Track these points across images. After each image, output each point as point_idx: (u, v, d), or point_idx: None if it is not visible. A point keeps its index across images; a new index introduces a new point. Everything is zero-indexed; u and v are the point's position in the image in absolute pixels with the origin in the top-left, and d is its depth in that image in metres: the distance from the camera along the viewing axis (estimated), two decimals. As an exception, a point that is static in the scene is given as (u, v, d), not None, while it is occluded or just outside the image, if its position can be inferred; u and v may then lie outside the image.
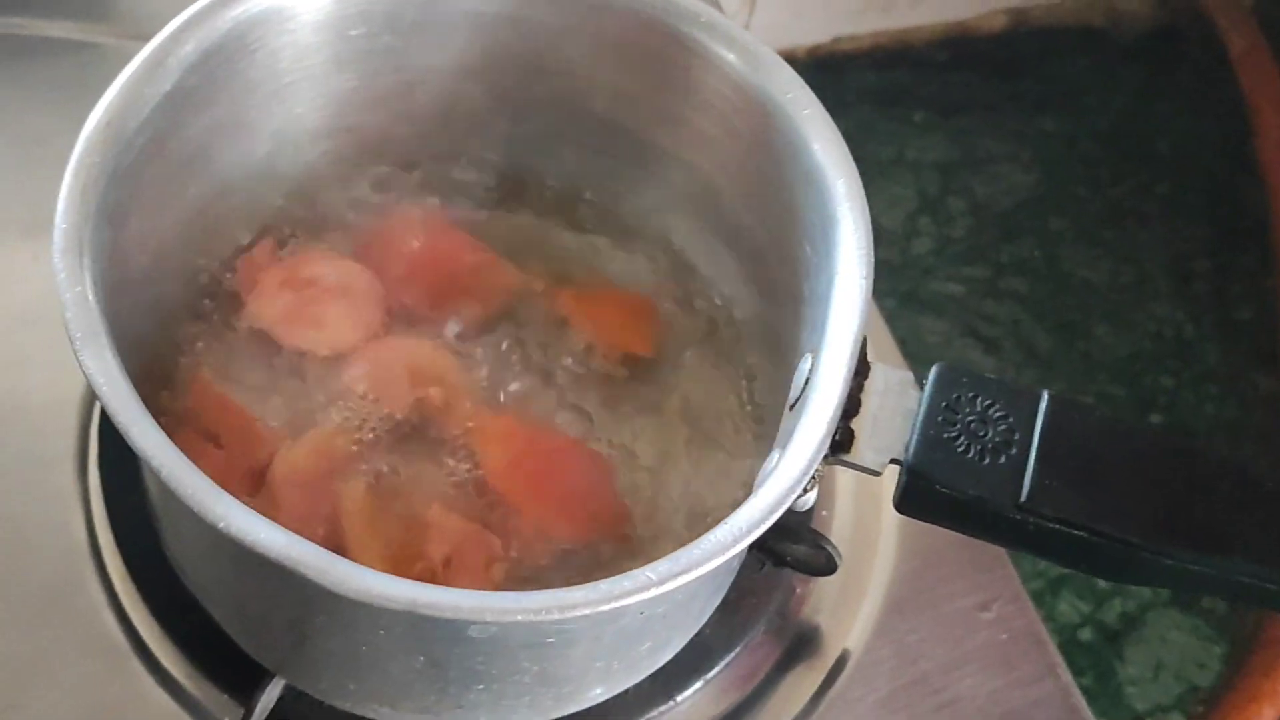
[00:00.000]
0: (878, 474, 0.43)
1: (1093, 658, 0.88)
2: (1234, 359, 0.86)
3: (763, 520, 0.39)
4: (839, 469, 0.44)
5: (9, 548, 0.55)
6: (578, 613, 0.37)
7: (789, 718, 0.57)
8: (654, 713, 0.55)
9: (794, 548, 0.57)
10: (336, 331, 0.53)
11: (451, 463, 0.51)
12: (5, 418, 0.58)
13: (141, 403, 0.39)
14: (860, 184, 0.47)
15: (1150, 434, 0.41)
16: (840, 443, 0.42)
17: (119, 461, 0.57)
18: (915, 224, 1.04)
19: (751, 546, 0.54)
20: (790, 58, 0.51)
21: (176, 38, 0.46)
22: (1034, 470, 0.40)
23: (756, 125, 0.51)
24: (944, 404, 0.42)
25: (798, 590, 0.60)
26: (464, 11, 0.53)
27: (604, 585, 0.38)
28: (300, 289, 0.53)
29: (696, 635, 0.55)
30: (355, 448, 0.50)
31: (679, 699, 0.55)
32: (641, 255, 0.58)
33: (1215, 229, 1.09)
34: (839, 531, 0.61)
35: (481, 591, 0.37)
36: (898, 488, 0.42)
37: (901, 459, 0.42)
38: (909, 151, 1.08)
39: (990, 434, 0.41)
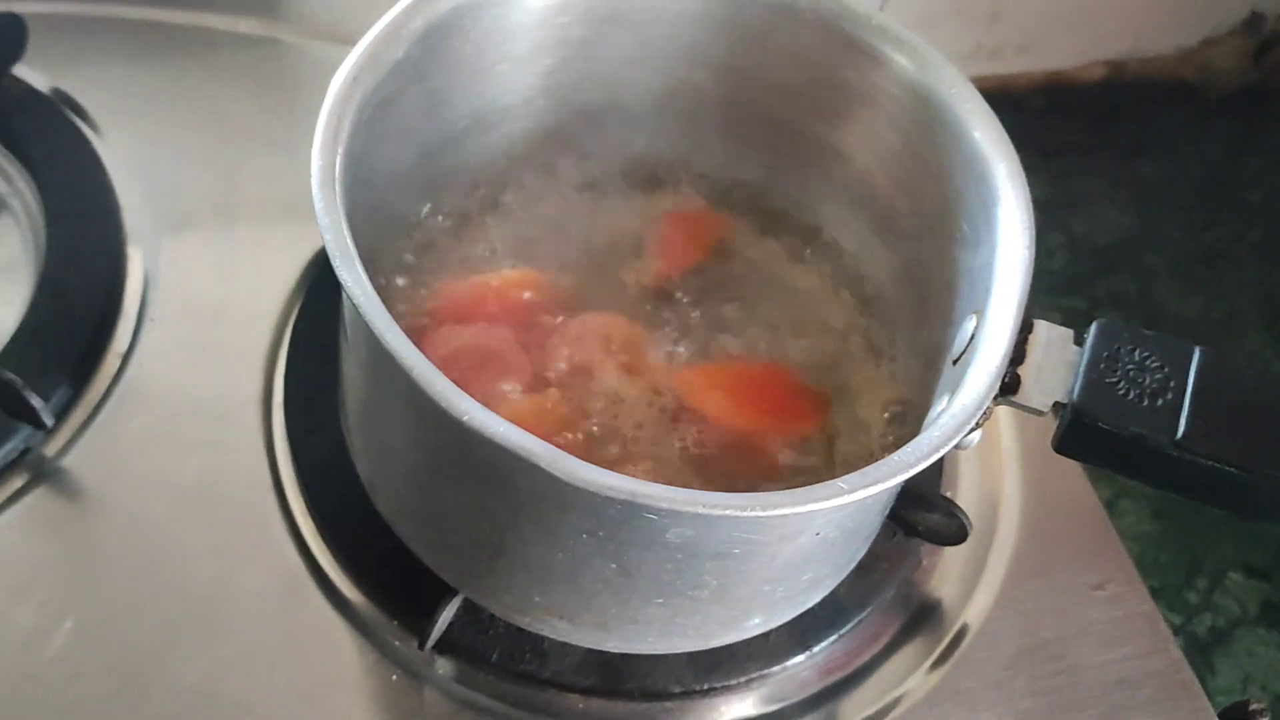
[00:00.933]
0: (1042, 414, 0.46)
1: (1186, 670, 0.90)
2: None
3: (943, 444, 0.43)
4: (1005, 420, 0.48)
5: (200, 482, 0.60)
6: (780, 511, 0.41)
7: (916, 676, 0.60)
8: (791, 661, 0.59)
9: (927, 516, 0.61)
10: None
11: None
12: (200, 366, 0.63)
13: (389, 313, 0.43)
14: (1020, 166, 0.51)
15: (1295, 385, 0.44)
16: (1009, 385, 0.46)
17: (301, 406, 0.62)
18: (1016, 255, 1.08)
19: (887, 515, 0.59)
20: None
21: (409, 12, 0.52)
22: (1189, 412, 0.44)
23: (920, 118, 0.55)
24: (1105, 354, 0.46)
25: (924, 562, 0.64)
26: (652, 7, 0.58)
27: (801, 490, 0.42)
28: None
29: (832, 594, 0.58)
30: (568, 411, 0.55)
31: (814, 650, 0.59)
32: (795, 241, 0.63)
33: (1304, 274, 1.13)
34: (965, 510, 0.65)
35: (693, 490, 0.41)
36: (1059, 428, 0.46)
37: (1065, 401, 0.46)
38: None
39: (1148, 380, 0.45)
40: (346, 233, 0.45)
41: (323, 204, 0.45)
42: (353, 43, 0.50)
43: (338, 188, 0.46)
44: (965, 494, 0.66)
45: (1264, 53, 1.20)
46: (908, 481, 0.58)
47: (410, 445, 0.49)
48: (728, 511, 0.41)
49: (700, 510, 0.41)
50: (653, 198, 0.64)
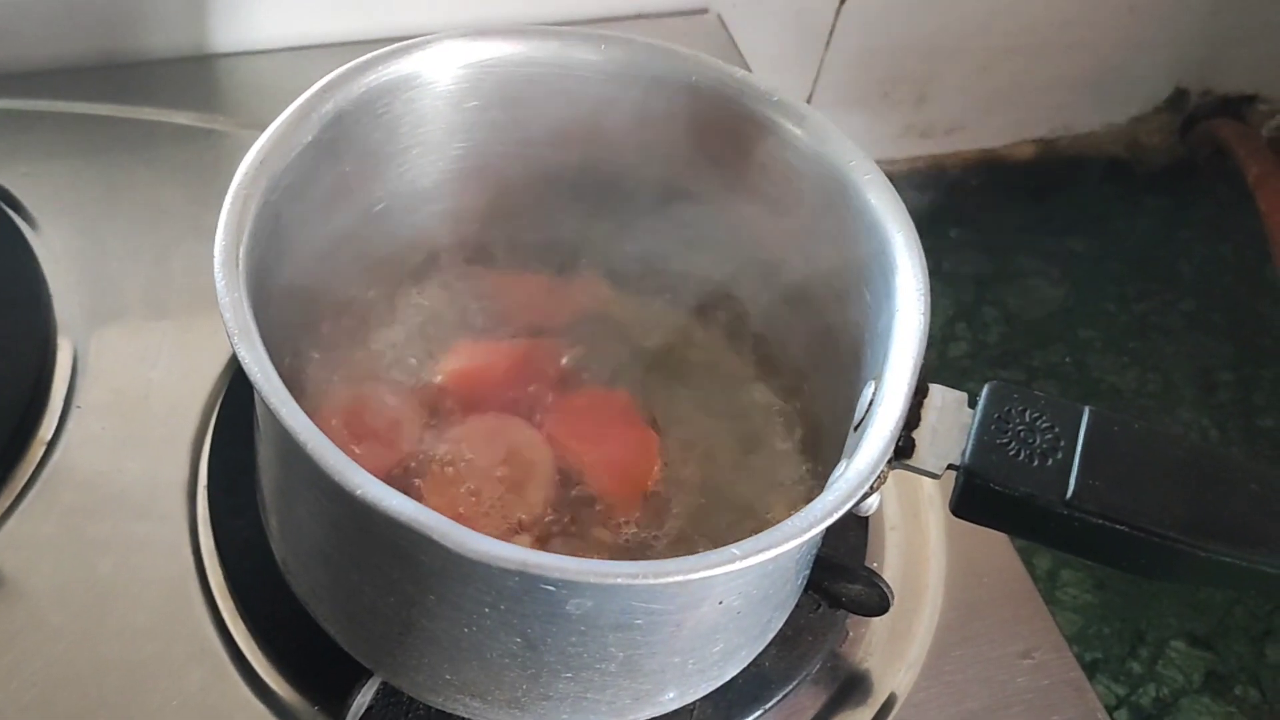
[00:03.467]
0: (937, 476, 0.47)
1: (1128, 740, 0.90)
2: (1259, 462, 0.91)
3: (836, 508, 0.44)
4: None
5: (122, 568, 0.60)
6: (671, 579, 0.42)
7: (843, 750, 0.60)
8: (716, 738, 0.58)
9: (849, 587, 0.61)
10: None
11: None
12: (125, 452, 0.64)
13: (286, 389, 0.44)
14: (916, 235, 0.53)
15: (1184, 442, 0.45)
16: (903, 449, 0.47)
17: (225, 491, 0.62)
18: (953, 329, 1.10)
19: (808, 587, 0.59)
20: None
21: (320, 95, 0.53)
22: (1078, 472, 0.45)
23: (822, 189, 0.57)
24: (996, 415, 0.47)
25: (850, 634, 0.64)
26: (561, 90, 0.59)
27: (694, 558, 0.42)
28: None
29: (756, 667, 0.58)
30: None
31: (740, 726, 0.59)
32: (706, 314, 0.64)
33: (1237, 344, 1.15)
34: (889, 581, 0.65)
35: (585, 559, 0.42)
36: (955, 490, 0.47)
37: (958, 463, 0.46)
38: (946, 264, 1.15)
39: (1038, 441, 0.46)
40: (247, 310, 0.46)
41: (224, 282, 0.46)
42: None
43: (241, 268, 0.47)
44: (890, 564, 0.67)
45: (1189, 128, 1.24)
46: (827, 551, 0.59)
47: (315, 522, 0.50)
48: (619, 580, 0.41)
49: (592, 579, 0.41)
50: (569, 282, 0.65)
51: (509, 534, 0.56)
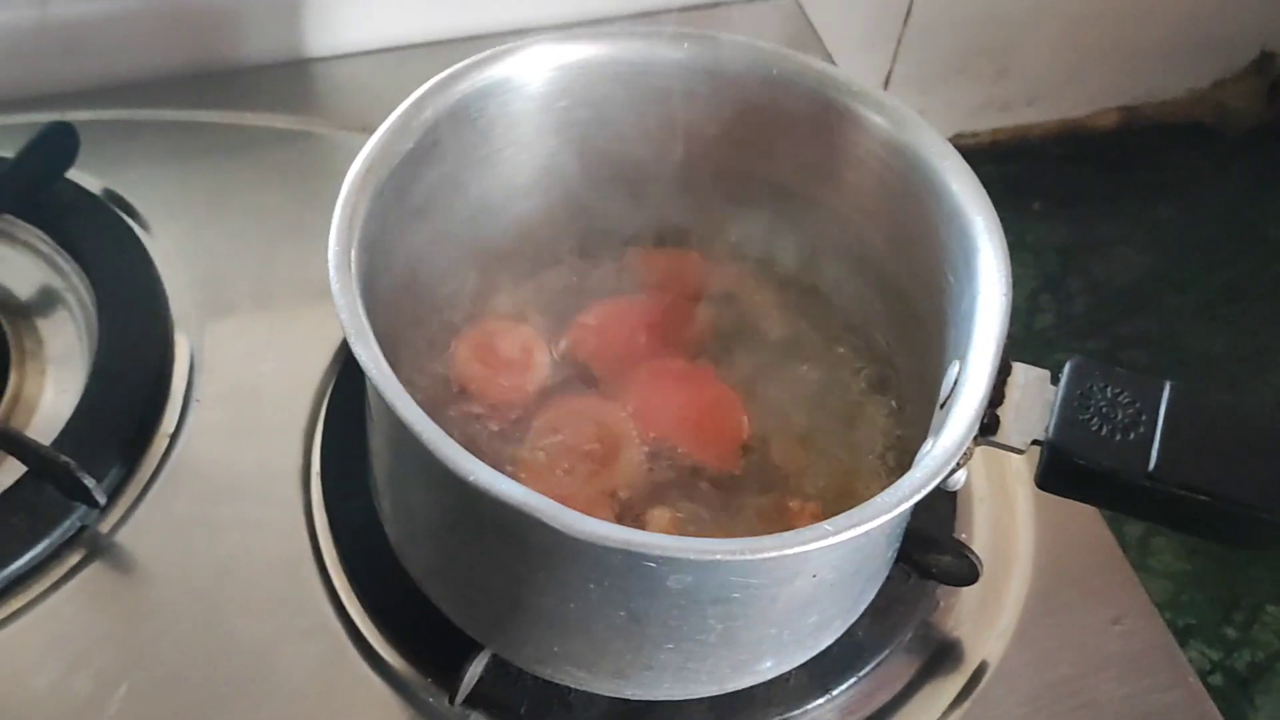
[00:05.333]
0: (1021, 452, 0.49)
1: (1224, 703, 0.90)
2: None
3: (924, 485, 0.46)
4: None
5: (243, 551, 0.63)
6: (767, 554, 0.44)
7: (935, 715, 0.62)
8: (811, 704, 0.60)
9: (939, 558, 0.63)
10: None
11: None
12: (242, 442, 0.67)
13: (400, 384, 0.47)
14: (996, 217, 0.54)
15: (1265, 414, 0.46)
16: (988, 426, 0.49)
17: (337, 477, 0.65)
18: (1037, 301, 1.10)
19: (899, 559, 0.61)
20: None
21: (419, 104, 0.56)
22: (1160, 445, 0.46)
23: (903, 176, 0.58)
24: (1078, 392, 0.48)
25: (941, 604, 0.66)
26: (651, 87, 0.61)
27: (789, 534, 0.44)
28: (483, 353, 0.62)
29: (850, 636, 0.60)
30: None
31: (834, 693, 0.61)
32: (794, 300, 0.66)
33: (1331, 305, 1.14)
34: (978, 552, 0.66)
35: (684, 536, 0.44)
36: (1039, 464, 0.48)
37: (1042, 438, 0.48)
38: (1029, 236, 1.15)
39: (1120, 416, 0.47)
40: (361, 311, 0.49)
41: (338, 285, 0.49)
42: (382, 132, 0.54)
43: (354, 270, 0.50)
44: (980, 535, 0.68)
45: (1276, 91, 1.22)
46: (917, 524, 0.61)
47: (429, 507, 0.53)
48: (717, 556, 0.44)
49: (691, 556, 0.44)
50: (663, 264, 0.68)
51: (608, 507, 0.58)
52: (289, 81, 0.85)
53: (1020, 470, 0.70)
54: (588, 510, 0.54)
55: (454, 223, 0.62)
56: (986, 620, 0.65)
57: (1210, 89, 1.23)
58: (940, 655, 0.64)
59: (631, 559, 0.45)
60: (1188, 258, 1.18)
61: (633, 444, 0.59)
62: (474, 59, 0.57)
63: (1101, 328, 1.11)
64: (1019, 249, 1.20)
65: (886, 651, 0.62)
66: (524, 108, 0.60)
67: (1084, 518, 0.69)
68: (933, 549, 0.62)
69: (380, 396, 0.46)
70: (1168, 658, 0.64)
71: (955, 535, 0.67)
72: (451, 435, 0.45)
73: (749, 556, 0.44)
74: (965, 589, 0.66)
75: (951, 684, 0.63)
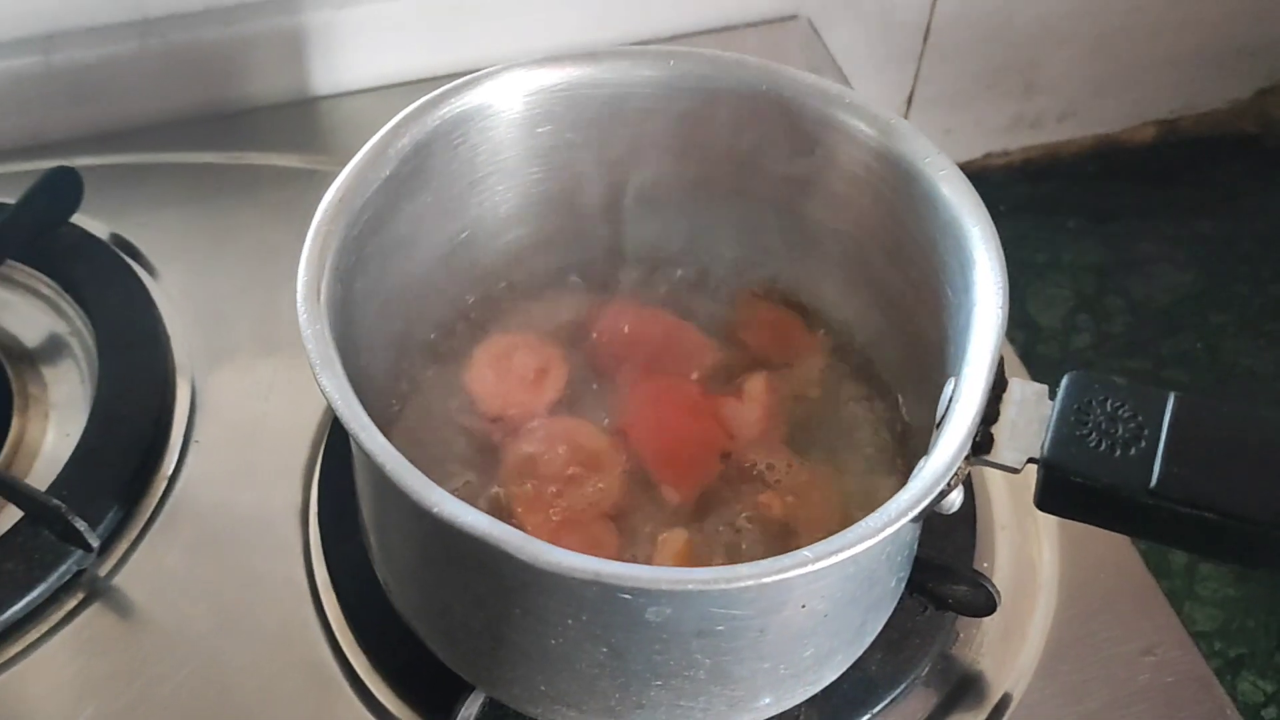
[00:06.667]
0: (1016, 471, 0.46)
1: (1279, 737, 0.86)
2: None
3: (911, 508, 0.43)
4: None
5: (242, 593, 0.63)
6: (743, 584, 0.42)
7: (955, 755, 0.59)
8: (823, 744, 0.58)
9: (954, 588, 0.60)
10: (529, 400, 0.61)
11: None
12: (241, 484, 0.67)
13: (366, 414, 0.46)
14: (993, 228, 0.52)
15: (1273, 423, 0.43)
16: (981, 444, 0.46)
17: (335, 517, 0.64)
18: (1074, 321, 1.07)
19: (912, 588, 0.58)
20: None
21: (395, 131, 0.55)
22: (1162, 460, 0.43)
23: (898, 188, 0.56)
24: (1076, 407, 0.46)
25: (960, 635, 0.63)
26: (635, 110, 0.60)
27: (767, 561, 0.42)
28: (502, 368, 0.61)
29: (863, 671, 0.58)
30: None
31: (846, 731, 0.58)
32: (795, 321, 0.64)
33: (1379, 323, 1.09)
34: (999, 581, 0.63)
35: (658, 567, 0.42)
36: (1037, 484, 0.46)
37: (1038, 457, 0.45)
38: (1064, 255, 1.12)
39: (1120, 430, 0.44)
40: (329, 342, 0.48)
41: (305, 316, 0.48)
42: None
43: (323, 301, 0.49)
44: (1001, 564, 0.65)
45: (1323, 98, 1.18)
46: (930, 553, 0.58)
47: (407, 543, 0.51)
48: (689, 585, 0.42)
49: (665, 586, 0.42)
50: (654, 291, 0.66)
51: (612, 534, 0.56)
52: (293, 120, 0.85)
53: (1043, 494, 0.67)
54: (589, 538, 0.53)
55: (445, 249, 0.61)
56: (1010, 652, 0.62)
57: (1253, 98, 1.19)
58: (961, 689, 0.61)
59: (605, 590, 0.43)
60: (1231, 274, 1.14)
61: (615, 464, 0.57)
62: (451, 85, 0.56)
63: (1141, 347, 1.07)
64: (1054, 269, 1.18)
65: (902, 687, 0.60)
66: (507, 133, 0.59)
67: (1112, 542, 0.66)
68: (947, 579, 0.60)
69: (346, 429, 0.45)
70: (1204, 689, 0.61)
71: (975, 564, 0.64)
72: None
73: (725, 586, 0.42)
74: (987, 621, 0.63)
75: (976, 717, 0.60)
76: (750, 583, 0.42)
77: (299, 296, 0.49)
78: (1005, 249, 0.52)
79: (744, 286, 0.65)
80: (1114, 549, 0.66)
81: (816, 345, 0.64)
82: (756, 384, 0.60)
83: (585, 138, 0.60)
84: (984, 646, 0.63)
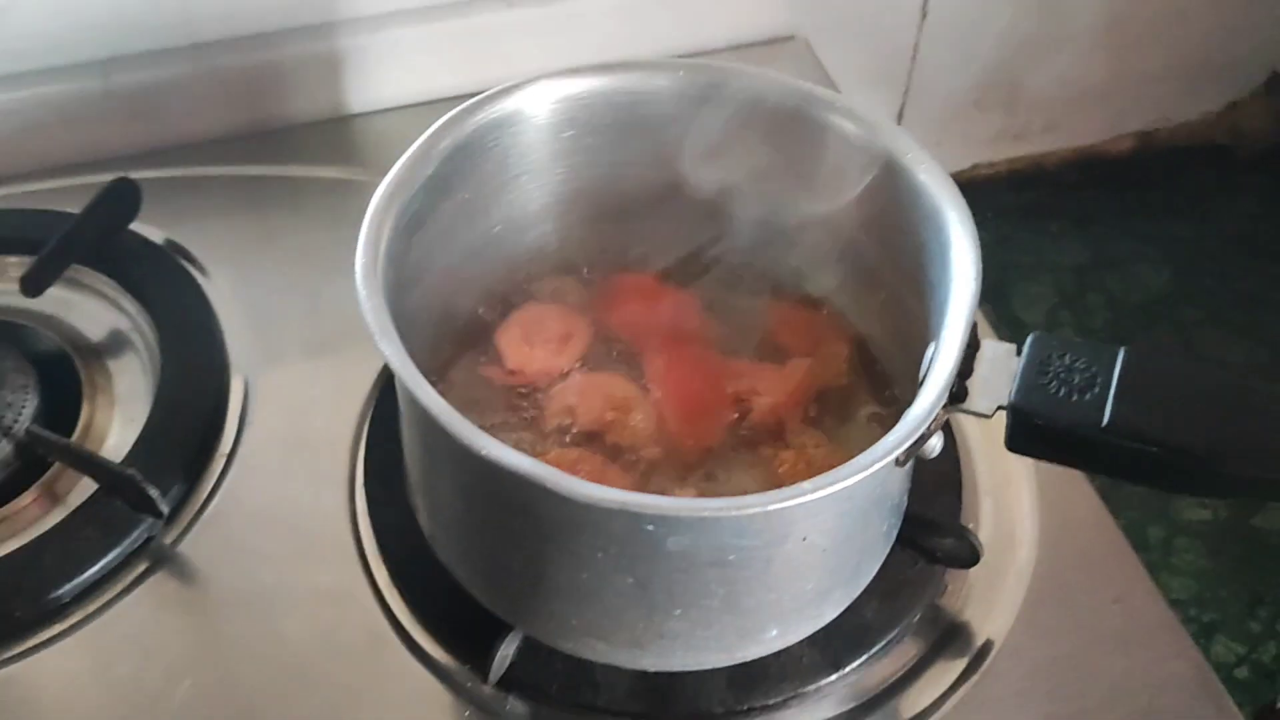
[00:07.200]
0: (988, 416, 0.53)
1: (1252, 694, 0.92)
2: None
3: (897, 446, 0.50)
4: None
5: (295, 558, 0.69)
6: (750, 510, 0.48)
7: (942, 690, 0.65)
8: (823, 681, 0.64)
9: (942, 542, 0.67)
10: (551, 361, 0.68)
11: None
12: (292, 460, 0.73)
13: (421, 374, 0.52)
14: (968, 212, 0.59)
15: (1216, 373, 0.50)
16: (957, 395, 0.53)
17: (380, 486, 0.71)
18: (1056, 317, 1.14)
19: (904, 543, 0.65)
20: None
21: (438, 134, 0.62)
22: (1113, 402, 0.50)
23: (884, 181, 0.63)
24: (1039, 361, 0.52)
25: (948, 587, 0.69)
26: (647, 114, 0.67)
27: (771, 492, 0.49)
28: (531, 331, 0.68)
29: (860, 617, 0.64)
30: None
31: (845, 670, 0.65)
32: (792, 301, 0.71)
33: (1344, 314, 1.17)
34: (984, 539, 0.69)
35: (677, 498, 0.49)
36: (1007, 428, 0.53)
37: (1005, 404, 0.52)
38: (1047, 256, 1.19)
39: (1077, 379, 0.51)
40: (386, 313, 0.54)
41: (365, 292, 0.55)
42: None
43: (379, 277, 0.56)
44: (985, 525, 0.71)
45: (1291, 111, 1.26)
46: (920, 509, 0.65)
47: (454, 492, 0.58)
48: (704, 513, 0.48)
49: (683, 513, 0.48)
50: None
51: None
52: (331, 136, 0.92)
53: (1023, 465, 0.74)
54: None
55: (479, 242, 0.67)
56: (992, 602, 0.68)
57: (1224, 111, 1.27)
58: (948, 636, 0.67)
59: (632, 521, 0.50)
60: (1204, 271, 1.22)
61: (645, 406, 0.63)
62: (486, 94, 0.63)
63: (1120, 340, 1.14)
64: (1037, 269, 1.25)
65: (895, 631, 0.66)
66: (535, 137, 0.66)
67: (1085, 505, 0.72)
68: (934, 532, 0.66)
69: (402, 385, 0.52)
70: (1170, 633, 0.67)
71: (961, 524, 0.70)
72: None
73: (735, 513, 0.48)
74: (972, 575, 0.69)
75: (958, 662, 0.66)
76: (756, 510, 0.48)
77: (358, 277, 0.55)
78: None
79: (755, 278, 0.72)
80: (1087, 510, 0.72)
81: (837, 338, 0.70)
82: (799, 365, 0.67)
83: (603, 141, 0.67)
84: (970, 598, 0.69)
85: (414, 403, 0.52)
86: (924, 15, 1.07)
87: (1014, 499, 0.73)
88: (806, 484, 0.49)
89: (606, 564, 0.53)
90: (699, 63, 0.66)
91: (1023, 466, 0.74)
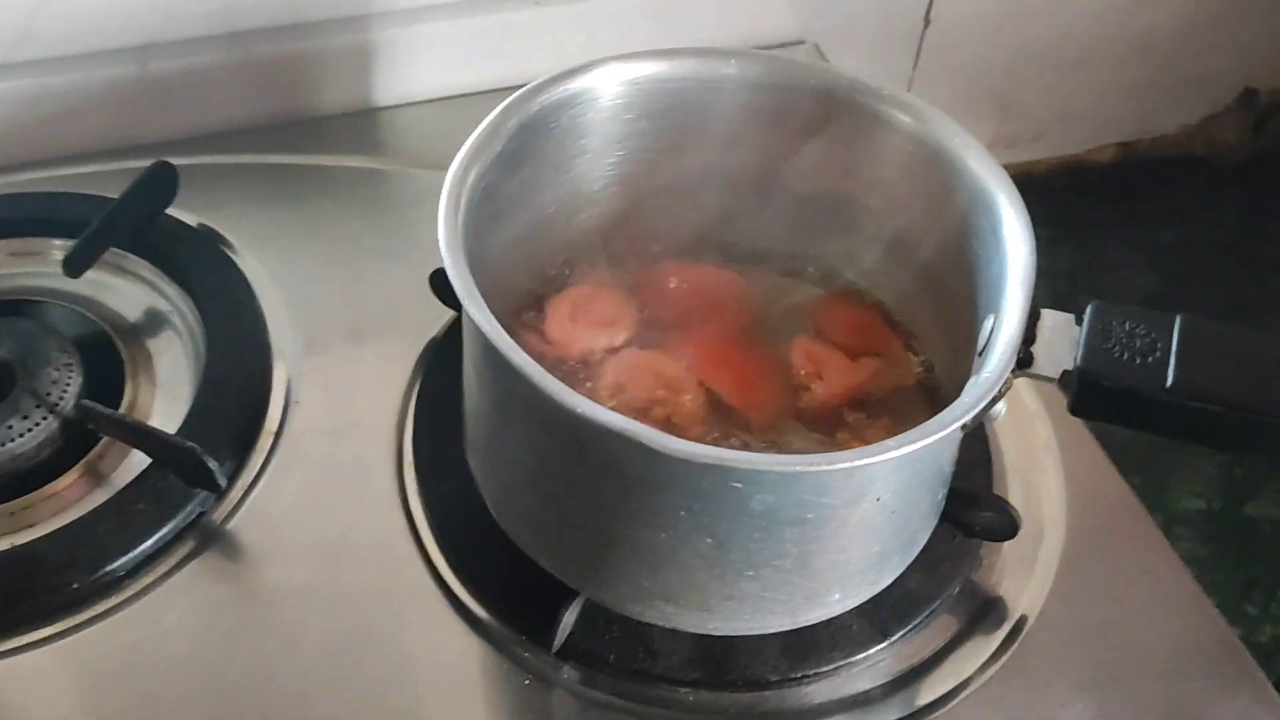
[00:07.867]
0: (1054, 380, 0.56)
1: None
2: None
3: (973, 406, 0.52)
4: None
5: (345, 532, 0.70)
6: (842, 465, 0.50)
7: (983, 660, 0.67)
8: (873, 649, 0.66)
9: (981, 515, 0.69)
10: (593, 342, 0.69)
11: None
12: (339, 437, 0.74)
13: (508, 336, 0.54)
14: (1016, 191, 0.62)
15: (1265, 336, 0.53)
16: (1023, 360, 0.55)
17: (428, 461, 0.72)
18: (1049, 318, 1.19)
19: (943, 518, 0.67)
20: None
21: (506, 113, 0.63)
22: (1175, 365, 0.53)
23: (930, 166, 0.66)
24: (1100, 327, 0.55)
25: (984, 562, 0.71)
26: (702, 100, 0.69)
27: (859, 449, 0.51)
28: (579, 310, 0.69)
29: (904, 589, 0.67)
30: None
31: (892, 639, 0.67)
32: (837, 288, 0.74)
33: (1329, 316, 1.22)
34: (1015, 515, 0.72)
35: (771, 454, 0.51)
36: (1071, 392, 0.55)
37: (1071, 368, 0.55)
38: (1040, 260, 1.23)
39: (1138, 344, 0.54)
40: (470, 277, 0.56)
41: (449, 256, 0.56)
42: (443, 168, 0.61)
43: (460, 243, 0.57)
44: (1015, 499, 0.74)
45: (1262, 124, 1.32)
46: (960, 484, 0.67)
47: (528, 454, 0.59)
48: (797, 468, 0.50)
49: (777, 469, 0.50)
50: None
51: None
52: (362, 127, 0.94)
53: (1049, 443, 0.77)
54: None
55: (536, 221, 0.69)
56: (1025, 577, 0.71)
57: (1200, 124, 1.32)
58: (985, 609, 0.70)
59: (722, 477, 0.51)
60: (1191, 275, 1.27)
61: (692, 386, 0.65)
62: (554, 74, 0.65)
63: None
64: (1031, 272, 1.30)
65: (937, 602, 0.68)
66: (595, 119, 0.68)
67: (1110, 483, 0.76)
68: (975, 505, 0.69)
69: (486, 348, 0.53)
70: (1195, 603, 0.70)
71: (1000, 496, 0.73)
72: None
73: (827, 467, 0.50)
74: (1005, 550, 0.72)
75: (996, 634, 0.69)
76: (846, 464, 0.51)
77: (442, 244, 0.57)
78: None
79: (804, 264, 0.74)
80: (1111, 488, 0.75)
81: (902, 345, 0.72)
82: (868, 364, 0.69)
83: (659, 125, 0.69)
84: (1004, 573, 0.71)
85: (501, 364, 0.53)
86: (926, 24, 1.11)
87: (1040, 477, 0.75)
88: (891, 441, 0.51)
89: (688, 523, 0.55)
90: (756, 53, 0.69)
91: (1048, 445, 0.77)
